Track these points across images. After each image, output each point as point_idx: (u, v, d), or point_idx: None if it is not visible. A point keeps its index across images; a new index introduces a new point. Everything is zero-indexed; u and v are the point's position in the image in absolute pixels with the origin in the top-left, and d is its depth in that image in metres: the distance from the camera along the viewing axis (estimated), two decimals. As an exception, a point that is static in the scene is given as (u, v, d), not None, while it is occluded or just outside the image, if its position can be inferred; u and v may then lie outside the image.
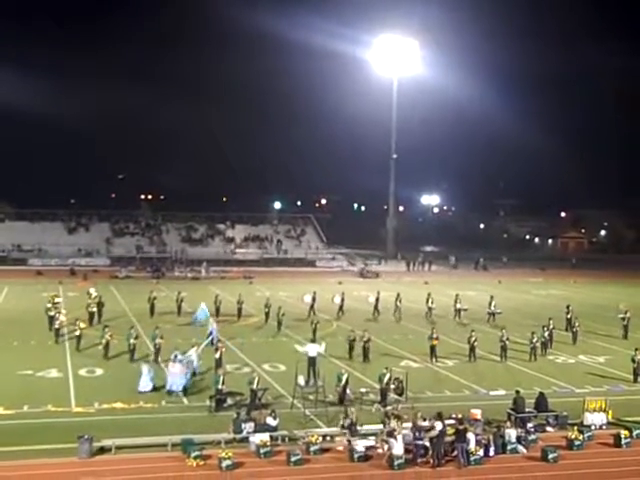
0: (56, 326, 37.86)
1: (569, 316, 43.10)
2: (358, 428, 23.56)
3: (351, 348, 34.92)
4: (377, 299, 48.89)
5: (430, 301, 48.86)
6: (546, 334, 38.08)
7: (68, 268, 71.90)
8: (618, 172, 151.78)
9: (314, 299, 48.13)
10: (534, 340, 36.42)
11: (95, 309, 42.85)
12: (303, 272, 78.94)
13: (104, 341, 33.89)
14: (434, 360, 34.89)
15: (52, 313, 39.84)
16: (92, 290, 47.37)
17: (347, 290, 55.33)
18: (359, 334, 35.50)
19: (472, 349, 35.49)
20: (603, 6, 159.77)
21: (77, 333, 35.69)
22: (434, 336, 35.50)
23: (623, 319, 43.17)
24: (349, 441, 22.92)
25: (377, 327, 42.65)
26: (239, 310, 46.14)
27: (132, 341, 33.73)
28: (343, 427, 23.65)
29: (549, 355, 37.15)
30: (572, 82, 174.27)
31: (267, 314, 44.62)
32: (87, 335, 36.45)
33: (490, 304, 47.84)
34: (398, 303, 48.52)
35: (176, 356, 29.40)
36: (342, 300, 48.30)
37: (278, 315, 42.50)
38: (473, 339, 35.62)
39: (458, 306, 48.78)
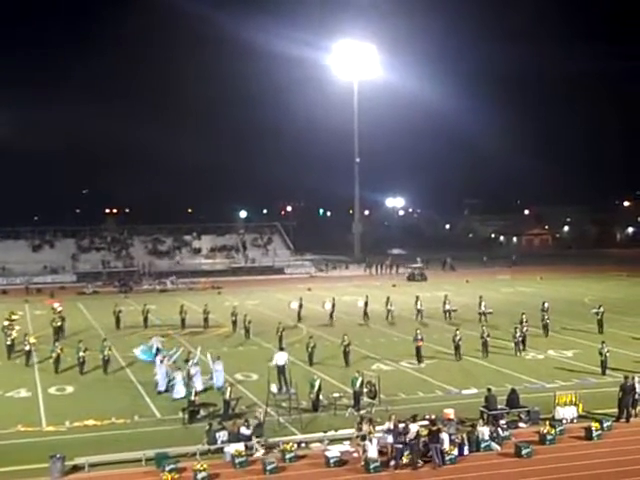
0: (8, 342, 37.67)
1: (545, 315, 43.06)
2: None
3: (311, 355, 34.83)
4: (366, 303, 48.71)
5: (419, 303, 48.92)
6: (524, 329, 38.54)
7: (23, 287, 70.79)
8: (579, 168, 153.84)
9: (301, 305, 48.11)
10: (517, 335, 37.15)
11: (60, 324, 42.75)
12: (272, 280, 78.82)
13: (54, 355, 34.16)
14: (419, 362, 35.11)
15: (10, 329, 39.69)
16: (56, 305, 47.58)
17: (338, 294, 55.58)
18: (342, 340, 35.36)
19: (457, 348, 35.90)
20: (563, 6, 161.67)
21: (27, 348, 35.87)
22: (419, 338, 35.65)
23: (597, 314, 43.24)
24: (260, 443, 23.06)
25: (352, 331, 42.42)
26: (205, 320, 46.17)
27: (81, 354, 33.90)
28: (247, 425, 23.69)
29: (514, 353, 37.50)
30: (532, 81, 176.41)
31: (234, 322, 44.64)
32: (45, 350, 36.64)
33: (480, 304, 47.54)
34: (390, 307, 48.50)
35: (161, 361, 30.74)
36: (333, 306, 48.12)
37: (245, 323, 42.48)
38: (458, 338, 35.99)
39: (447, 307, 48.72)
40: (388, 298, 49.50)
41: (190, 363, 30.42)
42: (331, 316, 47.76)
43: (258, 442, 23.18)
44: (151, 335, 40.14)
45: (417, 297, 49.93)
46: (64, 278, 79.07)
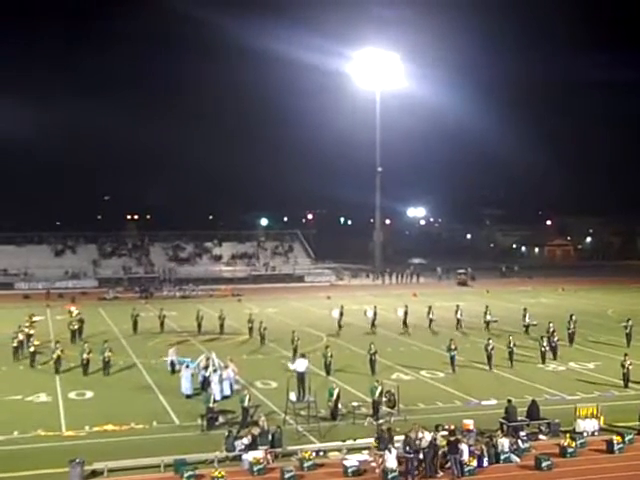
0: (14, 344, 38.09)
1: (571, 325, 42.68)
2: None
3: (328, 364, 34.40)
4: (406, 312, 48.38)
5: (459, 313, 48.69)
6: (556, 339, 38.57)
7: (45, 291, 71.42)
8: (602, 179, 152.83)
9: (342, 313, 48.07)
10: (544, 344, 37.22)
11: (77, 327, 43.32)
12: (292, 288, 78.82)
13: (55, 356, 34.65)
14: (453, 371, 35.16)
15: (31, 332, 40.30)
16: (73, 308, 48.53)
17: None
18: (369, 348, 35.17)
19: (489, 358, 35.80)
20: (587, 17, 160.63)
21: (31, 350, 36.43)
22: (452, 347, 35.58)
23: (626, 327, 42.67)
24: (267, 451, 22.89)
25: (376, 340, 42.09)
26: (221, 326, 46.38)
27: (85, 356, 34.42)
28: (254, 436, 23.48)
29: (538, 363, 37.25)
30: (554, 93, 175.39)
31: (250, 329, 44.85)
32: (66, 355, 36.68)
33: (524, 316, 47.00)
34: (431, 316, 48.36)
35: (187, 365, 31.39)
36: (375, 314, 48.01)
37: (260, 329, 42.61)
38: (490, 347, 35.87)
39: (488, 318, 48.33)
40: (430, 307, 49.31)
41: (209, 370, 30.53)
42: (373, 324, 47.74)
43: (266, 451, 22.98)
44: (168, 341, 40.37)
45: (457, 306, 49.63)
46: (85, 283, 79.61)
